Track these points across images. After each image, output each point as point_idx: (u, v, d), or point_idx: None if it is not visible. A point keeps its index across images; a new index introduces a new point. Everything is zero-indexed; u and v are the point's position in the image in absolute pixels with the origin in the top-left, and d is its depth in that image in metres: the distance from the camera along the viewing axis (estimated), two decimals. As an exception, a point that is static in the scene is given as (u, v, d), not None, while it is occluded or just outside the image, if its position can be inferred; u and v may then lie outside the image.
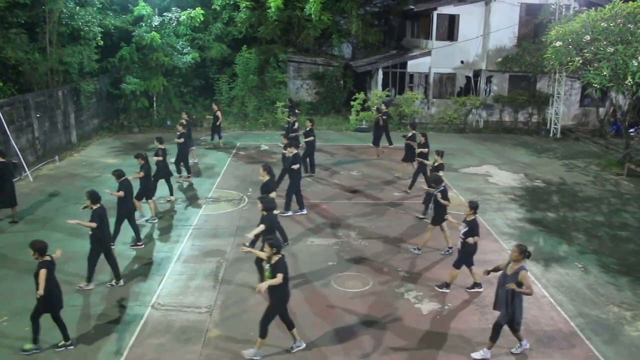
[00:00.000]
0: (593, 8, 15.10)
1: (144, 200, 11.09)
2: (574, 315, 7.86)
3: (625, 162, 15.92)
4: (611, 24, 13.78)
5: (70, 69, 17.15)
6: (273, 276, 6.26)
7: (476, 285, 8.48)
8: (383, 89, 21.68)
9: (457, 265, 8.33)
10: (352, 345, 7.03)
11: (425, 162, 12.40)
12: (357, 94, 20.77)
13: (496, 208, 12.40)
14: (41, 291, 6.43)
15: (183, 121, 14.48)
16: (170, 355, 6.75)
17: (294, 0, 22.54)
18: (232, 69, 22.46)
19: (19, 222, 10.92)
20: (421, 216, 11.39)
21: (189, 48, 20.95)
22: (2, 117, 13.53)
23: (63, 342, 6.85)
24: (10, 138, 13.82)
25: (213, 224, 11.07)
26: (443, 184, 9.48)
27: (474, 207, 8.08)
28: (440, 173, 10.37)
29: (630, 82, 12.82)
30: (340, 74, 23.85)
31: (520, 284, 6.44)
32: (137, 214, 10.76)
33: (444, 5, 21.24)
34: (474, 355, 6.82)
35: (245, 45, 22.51)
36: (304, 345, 6.89)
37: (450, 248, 9.73)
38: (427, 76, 22.18)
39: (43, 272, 6.45)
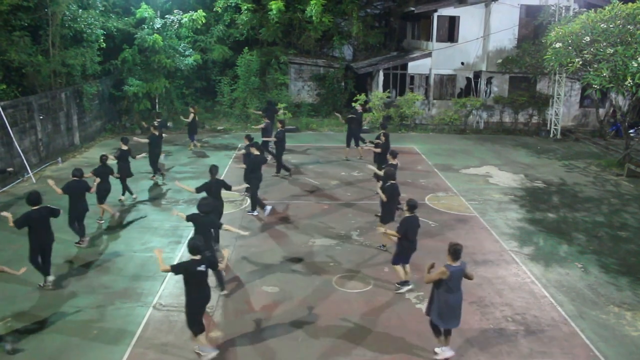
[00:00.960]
0: (593, 9, 15.15)
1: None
2: (574, 315, 7.89)
3: (625, 162, 15.95)
4: (611, 25, 13.83)
5: (73, 71, 17.27)
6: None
7: (404, 284, 8.48)
8: (384, 91, 21.74)
9: (393, 261, 8.39)
10: (354, 345, 7.08)
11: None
12: (358, 95, 20.84)
13: (497, 208, 12.45)
14: None
15: (155, 123, 14.68)
16: (171, 356, 6.79)
17: (295, 3, 22.65)
18: (234, 71, 22.58)
19: None
20: (378, 214, 11.50)
21: (191, 50, 21.07)
22: (5, 119, 13.64)
23: None
24: (14, 140, 13.93)
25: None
26: (390, 182, 9.57)
27: (408, 204, 8.09)
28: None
29: (630, 83, 12.86)
30: (341, 76, 23.95)
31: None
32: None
33: (445, 7, 21.32)
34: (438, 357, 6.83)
35: (246, 47, 22.64)
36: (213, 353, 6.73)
37: (384, 246, 9.94)
38: (427, 77, 22.25)
39: None
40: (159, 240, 10.36)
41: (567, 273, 9.28)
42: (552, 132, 20.90)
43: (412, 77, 22.39)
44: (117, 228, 10.96)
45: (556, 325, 7.63)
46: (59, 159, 15.88)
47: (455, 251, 6.43)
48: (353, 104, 20.51)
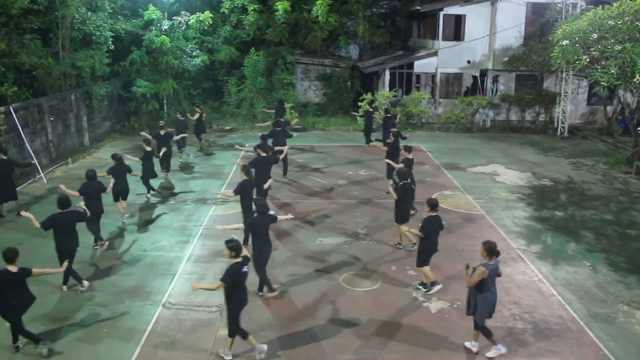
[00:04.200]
0: (600, 6, 15.08)
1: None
2: (582, 313, 7.88)
3: (634, 160, 15.84)
4: (618, 22, 13.74)
5: (82, 73, 17.46)
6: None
7: (433, 284, 8.42)
8: (390, 90, 21.76)
9: (418, 263, 8.37)
10: (360, 343, 7.13)
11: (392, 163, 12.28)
12: (364, 94, 20.89)
13: (504, 207, 12.44)
14: None
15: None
16: (180, 354, 6.88)
17: (301, 3, 22.71)
18: (241, 71, 22.71)
19: None
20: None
21: (198, 51, 21.23)
22: (17, 120, 13.85)
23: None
24: (25, 141, 14.14)
25: (223, 224, 11.20)
26: (402, 181, 9.55)
27: (429, 204, 8.14)
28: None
29: (638, 79, 12.78)
30: (348, 75, 23.99)
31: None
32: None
33: (450, 6, 21.28)
34: (488, 354, 6.83)
35: (253, 48, 22.75)
36: (265, 348, 6.81)
37: (400, 244, 9.98)
38: (433, 76, 22.22)
39: None
40: (168, 240, 10.47)
41: (576, 271, 9.27)
42: (559, 130, 20.81)
43: (418, 76, 22.37)
44: (126, 227, 11.10)
45: (564, 323, 7.62)
46: (69, 159, 16.07)
47: (490, 249, 6.51)
48: (360, 104, 20.60)
